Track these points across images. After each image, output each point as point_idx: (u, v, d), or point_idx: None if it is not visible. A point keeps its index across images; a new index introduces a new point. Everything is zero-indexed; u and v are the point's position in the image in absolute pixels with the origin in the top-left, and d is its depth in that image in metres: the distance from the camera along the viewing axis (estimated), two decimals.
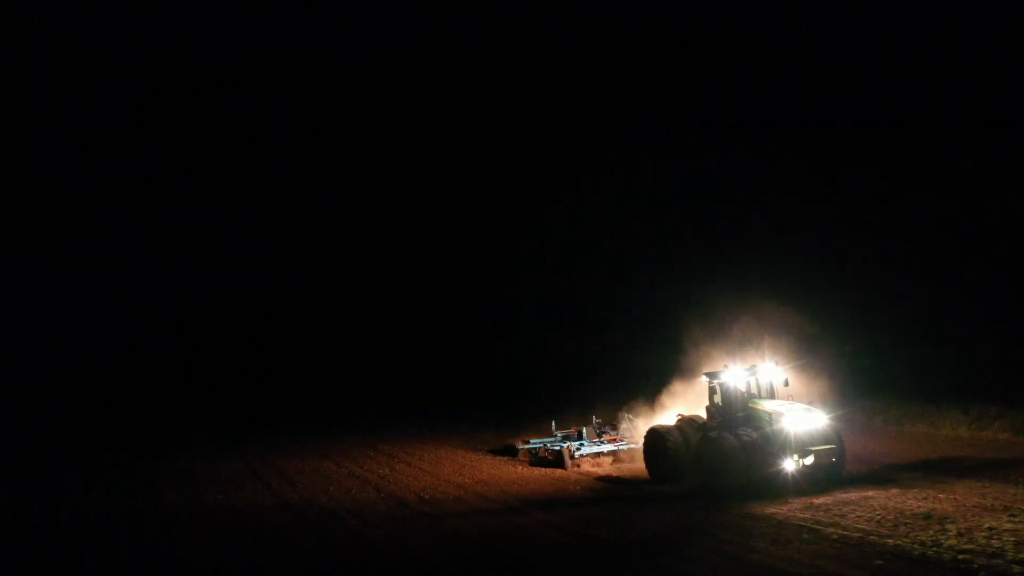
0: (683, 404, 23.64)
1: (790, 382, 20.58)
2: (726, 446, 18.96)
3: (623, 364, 35.38)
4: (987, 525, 14.20)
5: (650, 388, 26.72)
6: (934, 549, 13.01)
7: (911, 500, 16.55)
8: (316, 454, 29.47)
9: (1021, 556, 12.35)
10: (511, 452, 27.17)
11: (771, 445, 18.67)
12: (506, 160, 62.62)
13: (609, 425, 26.25)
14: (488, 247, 60.35)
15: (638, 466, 22.66)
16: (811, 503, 16.90)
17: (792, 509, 16.53)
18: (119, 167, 69.08)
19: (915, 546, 13.22)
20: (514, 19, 65.17)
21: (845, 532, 14.42)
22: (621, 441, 24.99)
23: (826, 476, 18.68)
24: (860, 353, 31.88)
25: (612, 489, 21.28)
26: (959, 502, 16.10)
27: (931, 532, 13.99)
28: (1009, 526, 14.09)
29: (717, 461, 19.11)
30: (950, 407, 27.16)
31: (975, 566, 12.05)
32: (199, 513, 19.84)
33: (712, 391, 21.04)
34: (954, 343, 35.98)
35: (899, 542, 13.51)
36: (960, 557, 12.52)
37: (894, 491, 17.51)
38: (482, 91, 65.53)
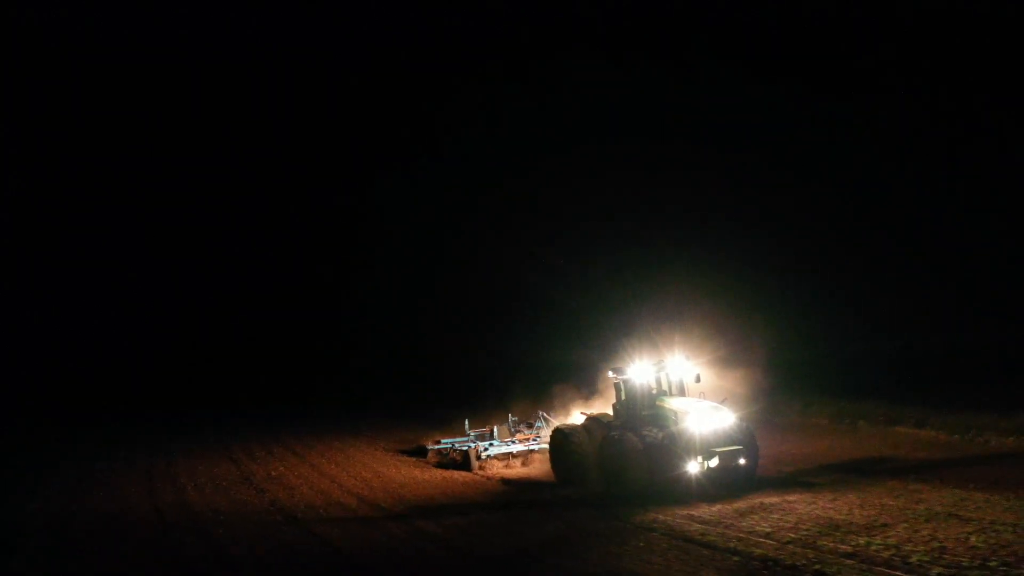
0: (602, 403, 22.24)
1: (702, 378, 19.19)
2: (628, 447, 17.54)
3: (550, 360, 33.94)
4: (902, 530, 12.96)
5: (573, 385, 25.36)
6: (827, 560, 11.69)
7: (818, 505, 15.24)
8: (221, 452, 28.09)
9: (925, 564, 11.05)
10: (422, 453, 25.58)
11: (675, 446, 17.23)
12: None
13: (525, 424, 24.79)
14: (423, 247, 59.33)
15: (548, 467, 21.21)
16: (708, 509, 15.58)
17: (687, 516, 15.17)
18: (119, 167, 67.84)
19: (802, 551, 11.90)
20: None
21: (738, 542, 13.05)
22: (534, 440, 23.50)
23: (733, 479, 17.30)
24: (793, 346, 30.80)
25: (512, 493, 19.81)
26: (873, 506, 14.82)
27: (828, 541, 12.67)
28: (926, 533, 12.81)
29: (618, 463, 17.71)
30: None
31: None
32: (64, 520, 18.17)
33: (618, 388, 19.59)
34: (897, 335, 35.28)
35: (793, 551, 12.20)
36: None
37: (803, 495, 16.20)
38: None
